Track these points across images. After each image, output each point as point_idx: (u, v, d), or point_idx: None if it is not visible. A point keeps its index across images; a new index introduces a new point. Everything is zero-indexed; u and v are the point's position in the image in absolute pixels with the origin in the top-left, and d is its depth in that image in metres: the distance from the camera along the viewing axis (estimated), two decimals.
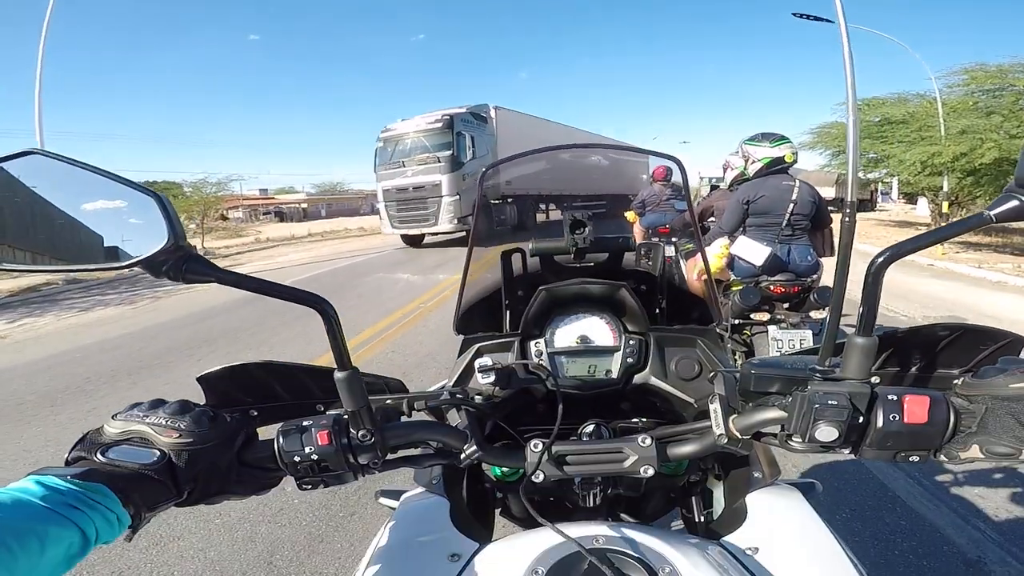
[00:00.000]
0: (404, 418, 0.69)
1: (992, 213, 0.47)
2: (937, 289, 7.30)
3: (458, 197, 14.22)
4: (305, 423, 0.59)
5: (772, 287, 3.03)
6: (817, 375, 0.55)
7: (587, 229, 0.90)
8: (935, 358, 0.63)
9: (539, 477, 0.66)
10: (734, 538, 0.64)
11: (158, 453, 0.53)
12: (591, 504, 0.77)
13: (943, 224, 0.48)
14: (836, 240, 3.59)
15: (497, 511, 0.92)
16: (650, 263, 0.99)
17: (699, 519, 0.87)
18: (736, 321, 3.19)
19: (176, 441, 0.54)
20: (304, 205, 59.83)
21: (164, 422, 0.55)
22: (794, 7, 14.16)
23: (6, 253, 0.55)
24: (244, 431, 0.61)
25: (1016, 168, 0.47)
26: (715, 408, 0.62)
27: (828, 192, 34.37)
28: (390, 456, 0.64)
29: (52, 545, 0.42)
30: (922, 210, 23.29)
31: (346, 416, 0.59)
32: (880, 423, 0.52)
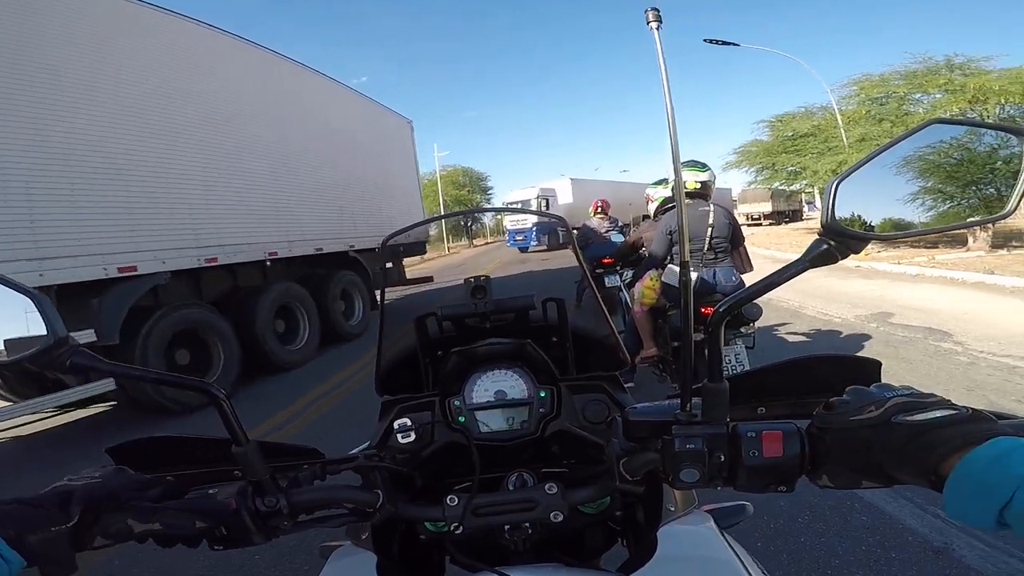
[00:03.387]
0: (317, 481, 0.71)
1: (807, 259, 0.51)
2: (864, 287, 7.75)
3: None
4: (211, 491, 0.62)
5: (703, 308, 3.16)
6: (681, 420, 0.58)
7: (487, 293, 0.94)
8: (810, 387, 0.67)
9: (459, 529, 0.70)
10: (642, 573, 0.65)
11: (49, 489, 0.56)
12: (524, 548, 0.79)
13: (773, 271, 0.54)
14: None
15: (447, 558, 0.94)
16: (556, 317, 1.03)
17: (633, 552, 0.90)
18: (676, 344, 3.35)
19: (84, 483, 0.58)
20: None
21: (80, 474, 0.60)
22: (706, 34, 15.57)
23: None
24: (158, 489, 0.63)
25: (820, 216, 0.51)
26: (609, 452, 0.67)
27: (764, 207, 35.91)
28: (303, 517, 0.67)
29: None
30: None
31: (251, 484, 0.63)
32: (744, 459, 0.56)
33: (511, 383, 0.90)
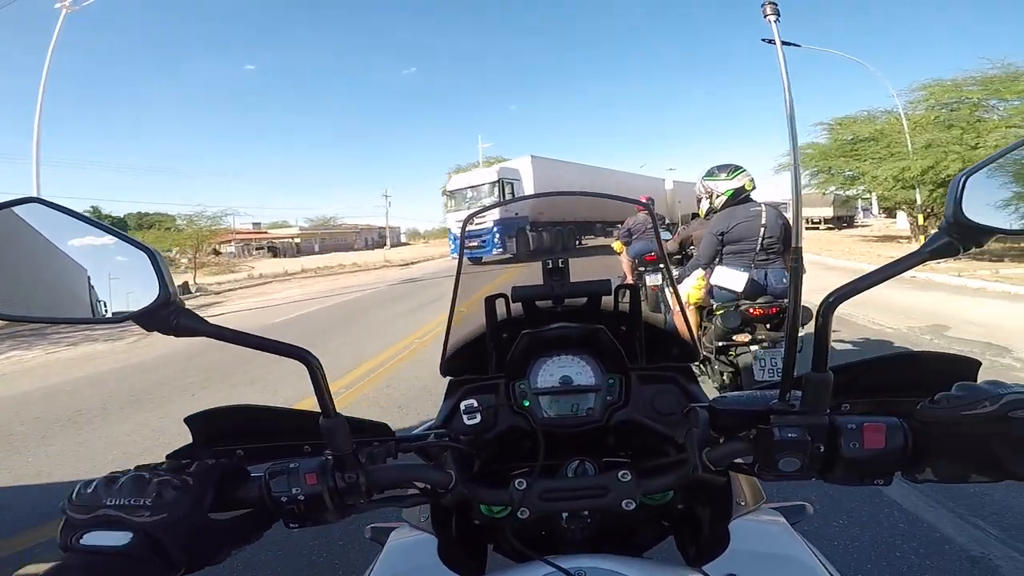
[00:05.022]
0: (390, 459, 0.71)
1: (928, 251, 0.51)
2: (920, 299, 7.44)
3: None
4: (292, 465, 0.61)
5: (752, 310, 3.18)
6: (778, 410, 0.58)
7: (564, 275, 0.94)
8: (901, 384, 0.66)
9: (524, 513, 0.70)
10: (714, 565, 0.65)
11: (132, 533, 0.51)
12: (580, 538, 0.78)
13: (890, 261, 0.51)
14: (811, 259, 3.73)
15: (491, 547, 0.93)
16: (628, 303, 1.02)
17: (690, 547, 0.89)
18: (721, 343, 3.34)
19: (148, 520, 0.51)
20: (297, 240, 60.30)
21: (127, 502, 0.52)
22: (764, 33, 14.66)
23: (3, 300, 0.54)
24: (212, 485, 0.59)
25: (944, 208, 0.51)
26: (690, 442, 0.65)
27: (826, 212, 34.39)
28: (376, 496, 0.66)
29: None
30: (902, 223, 23.79)
31: (332, 459, 0.61)
32: (843, 451, 0.55)
33: (578, 369, 0.88)
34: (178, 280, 18.56)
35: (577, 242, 20.56)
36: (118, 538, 0.50)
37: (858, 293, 0.52)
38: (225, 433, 0.73)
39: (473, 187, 20.18)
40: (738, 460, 0.62)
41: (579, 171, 24.52)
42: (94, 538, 0.50)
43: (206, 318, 0.55)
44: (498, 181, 19.31)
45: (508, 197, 18.56)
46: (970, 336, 5.30)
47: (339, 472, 0.61)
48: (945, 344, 5.13)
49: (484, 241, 17.67)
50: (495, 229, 17.79)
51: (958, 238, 0.49)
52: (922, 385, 0.64)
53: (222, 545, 0.59)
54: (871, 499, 2.41)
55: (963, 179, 0.50)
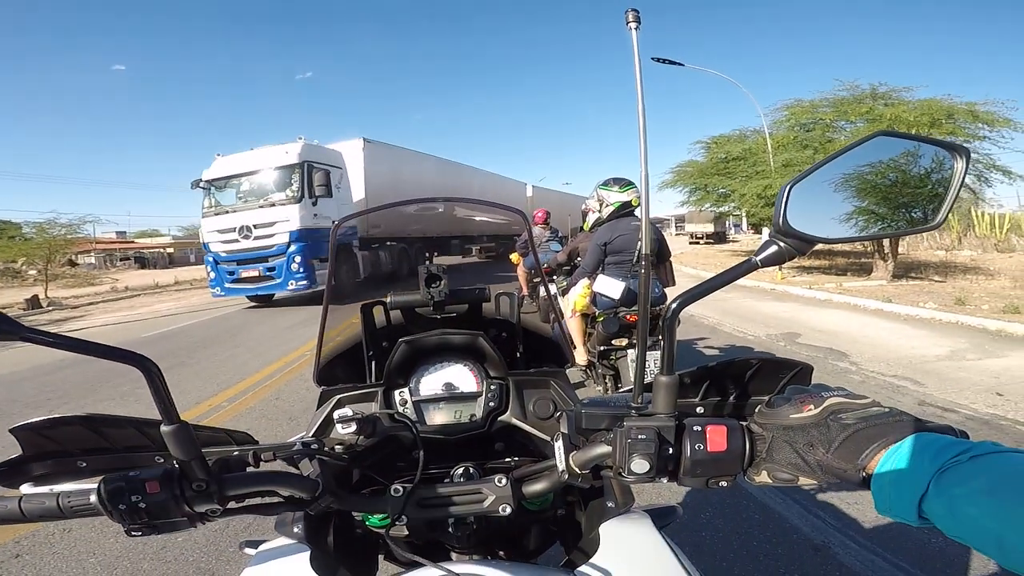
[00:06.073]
0: (251, 468, 0.69)
1: (758, 259, 0.53)
2: (778, 310, 8.30)
3: None
4: (132, 473, 0.59)
5: (628, 316, 3.42)
6: (633, 412, 0.59)
7: (442, 282, 0.94)
8: (746, 387, 0.69)
9: (403, 520, 0.70)
10: (587, 568, 0.66)
11: None
12: (467, 544, 0.79)
13: (726, 269, 0.55)
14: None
15: (381, 556, 0.93)
16: (509, 311, 1.04)
17: (572, 551, 0.90)
18: (603, 348, 3.57)
19: None
20: (170, 250, 55.37)
21: None
22: (655, 52, 15.37)
23: None
24: None
25: (772, 217, 0.53)
26: (558, 446, 0.67)
27: (708, 228, 37.08)
28: (235, 504, 0.64)
29: None
30: (767, 238, 26.25)
31: (179, 466, 0.59)
32: (688, 453, 0.55)
33: (461, 376, 0.89)
34: (27, 293, 16.89)
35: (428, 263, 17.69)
36: None
37: (700, 298, 0.54)
38: (64, 444, 0.68)
39: (251, 174, 11.61)
40: (603, 463, 0.62)
41: (434, 166, 18.34)
42: None
43: (63, 334, 0.49)
44: (300, 165, 11.15)
45: (321, 190, 11.27)
46: (817, 343, 5.99)
47: (186, 479, 0.59)
48: (796, 349, 5.76)
49: (272, 268, 11.17)
50: (294, 249, 10.95)
51: (785, 246, 0.52)
52: (766, 389, 0.69)
53: None
54: (732, 492, 2.63)
55: (788, 188, 0.52)
